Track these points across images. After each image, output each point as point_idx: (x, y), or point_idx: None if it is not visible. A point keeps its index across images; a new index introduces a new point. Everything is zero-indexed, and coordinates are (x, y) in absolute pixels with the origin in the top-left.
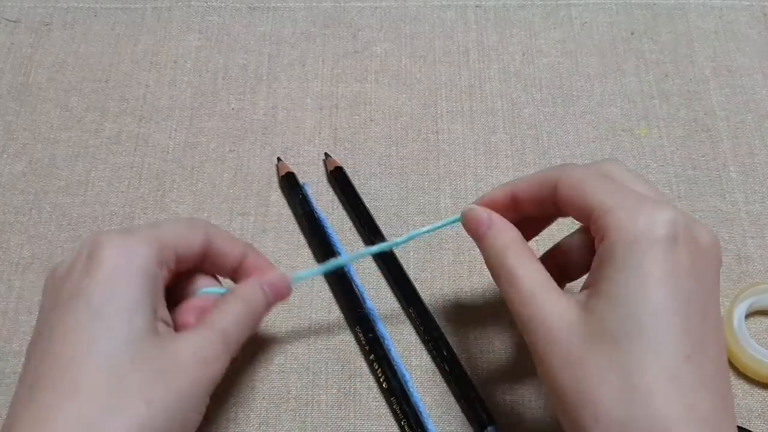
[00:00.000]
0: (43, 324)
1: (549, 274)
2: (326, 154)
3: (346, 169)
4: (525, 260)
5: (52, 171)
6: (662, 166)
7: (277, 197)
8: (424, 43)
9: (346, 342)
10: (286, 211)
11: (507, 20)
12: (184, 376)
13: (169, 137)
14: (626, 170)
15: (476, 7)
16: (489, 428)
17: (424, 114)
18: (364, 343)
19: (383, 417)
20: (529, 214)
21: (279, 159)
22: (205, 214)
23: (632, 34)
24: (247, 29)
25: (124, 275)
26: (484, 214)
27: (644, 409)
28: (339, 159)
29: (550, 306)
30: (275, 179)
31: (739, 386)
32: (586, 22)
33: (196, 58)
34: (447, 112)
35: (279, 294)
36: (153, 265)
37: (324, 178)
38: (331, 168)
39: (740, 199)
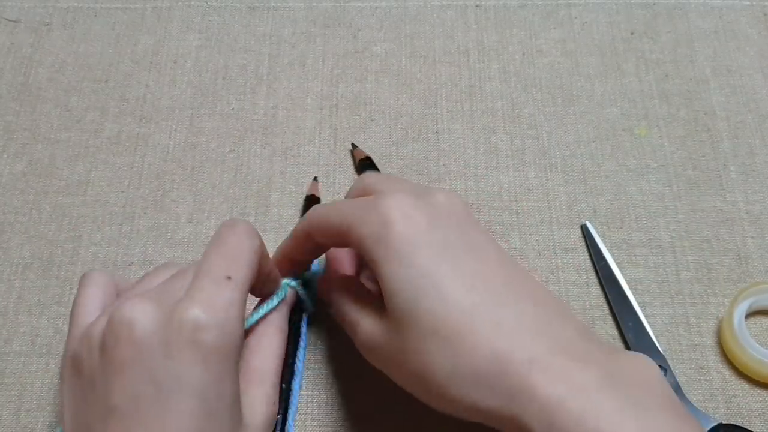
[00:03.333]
0: (139, 376)
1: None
2: (353, 145)
3: (346, 169)
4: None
5: (52, 171)
6: (662, 166)
7: (277, 197)
8: (424, 43)
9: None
10: (286, 212)
11: (507, 20)
12: None
13: (169, 137)
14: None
15: (476, 7)
16: None
17: (424, 114)
18: None
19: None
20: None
21: (315, 178)
22: (205, 215)
23: (632, 34)
24: (247, 29)
25: (226, 364)
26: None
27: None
28: (339, 159)
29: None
30: (275, 179)
31: (739, 386)
32: (586, 22)
33: (196, 58)
34: (447, 112)
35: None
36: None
37: (323, 178)
38: (360, 158)
39: (740, 199)
